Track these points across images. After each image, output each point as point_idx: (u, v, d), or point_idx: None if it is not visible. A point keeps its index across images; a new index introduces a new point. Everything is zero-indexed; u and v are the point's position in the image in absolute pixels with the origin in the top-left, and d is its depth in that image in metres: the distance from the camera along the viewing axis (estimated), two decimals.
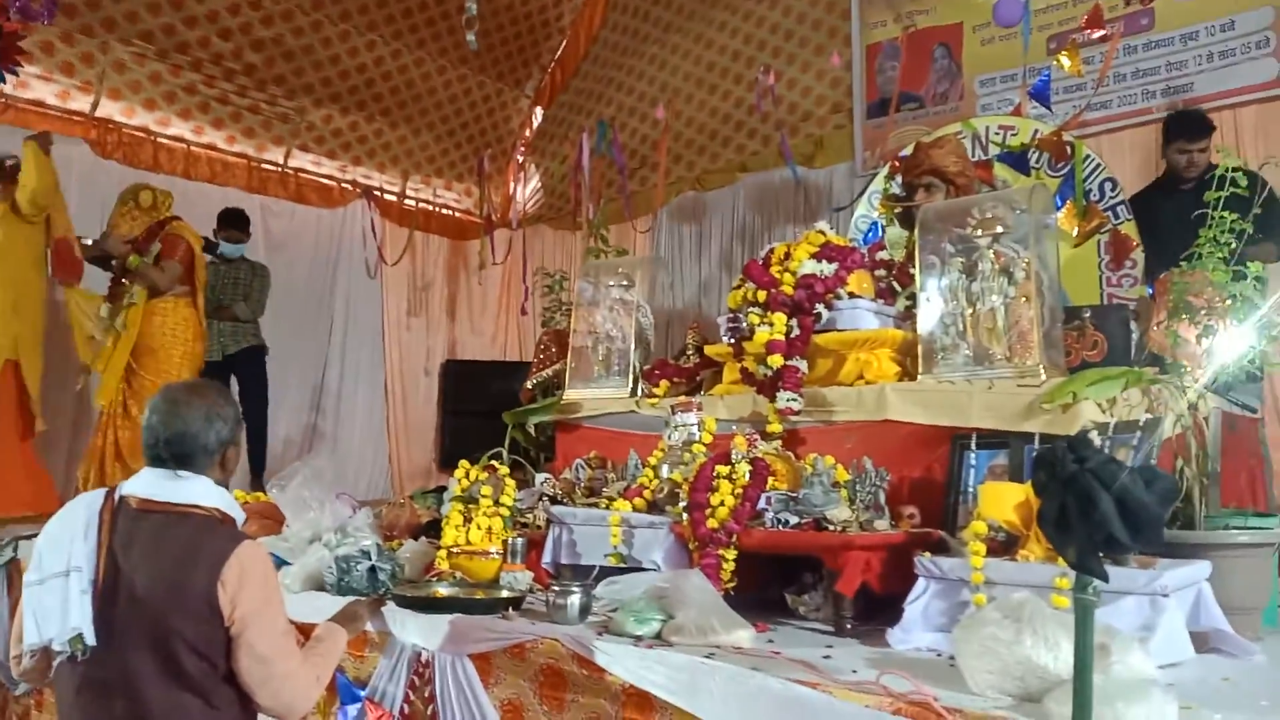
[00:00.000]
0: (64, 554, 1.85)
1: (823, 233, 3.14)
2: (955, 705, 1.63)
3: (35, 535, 3.90)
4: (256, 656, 1.89)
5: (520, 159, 7.65)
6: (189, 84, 5.97)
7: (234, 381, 5.43)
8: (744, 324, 2.97)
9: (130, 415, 4.58)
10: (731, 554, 2.43)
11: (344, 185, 6.96)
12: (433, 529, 3.34)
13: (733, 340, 3.08)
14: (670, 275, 6.30)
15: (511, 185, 7.60)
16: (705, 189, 6.38)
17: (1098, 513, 1.29)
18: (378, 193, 7.08)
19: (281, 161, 6.55)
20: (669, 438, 2.92)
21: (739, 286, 3.12)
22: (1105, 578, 1.34)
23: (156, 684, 1.84)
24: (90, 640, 1.79)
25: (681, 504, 2.60)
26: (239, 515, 2.05)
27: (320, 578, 2.78)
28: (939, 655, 2.03)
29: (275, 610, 1.96)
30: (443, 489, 4.06)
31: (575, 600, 2.33)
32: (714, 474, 2.55)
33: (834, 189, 5.71)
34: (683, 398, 3.10)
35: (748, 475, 2.50)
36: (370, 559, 2.76)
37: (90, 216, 5.25)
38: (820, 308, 2.90)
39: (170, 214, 4.91)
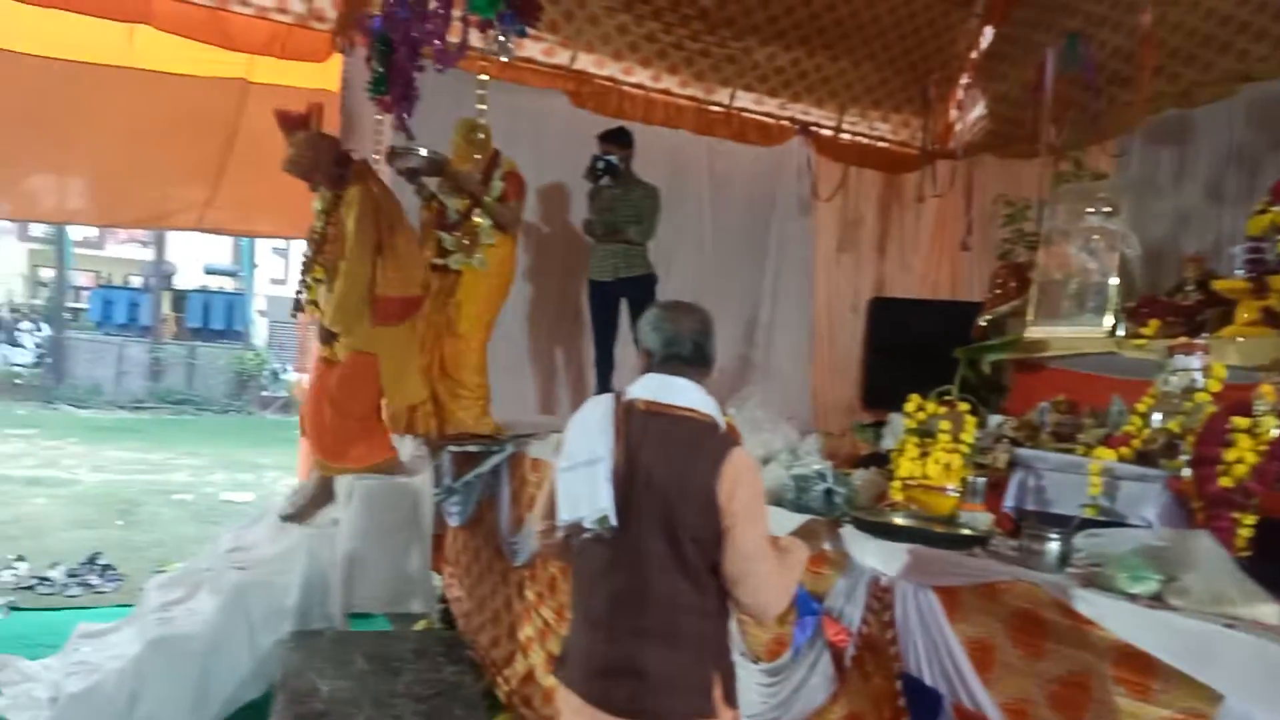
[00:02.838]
0: (589, 446, 2.10)
1: None
2: None
3: (528, 436, 4.57)
4: (741, 553, 2.03)
5: (966, 84, 7.19)
6: (650, 33, 6.38)
7: (623, 305, 5.52)
8: (1270, 255, 2.53)
9: (458, 333, 4.82)
10: (1250, 518, 2.11)
11: (782, 122, 7.06)
12: (870, 462, 3.34)
13: (1252, 274, 2.64)
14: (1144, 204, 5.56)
15: (955, 113, 7.18)
16: (1192, 105, 5.52)
17: None
18: (814, 128, 7.11)
19: (727, 102, 6.80)
20: (1164, 383, 2.59)
21: (1263, 211, 2.66)
22: None
23: (659, 565, 2.04)
24: (613, 521, 2.03)
25: (1182, 457, 2.31)
26: (723, 422, 2.20)
27: (774, 494, 2.90)
28: None
29: (760, 513, 2.08)
30: (880, 424, 4.03)
31: (1054, 547, 2.18)
32: (1228, 426, 2.22)
33: None
34: (1182, 339, 2.73)
35: (1275, 430, 2.14)
36: (826, 481, 2.82)
37: (567, 162, 5.91)
38: None
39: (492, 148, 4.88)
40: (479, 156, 4.77)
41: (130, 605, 5.24)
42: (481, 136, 4.73)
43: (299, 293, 4.79)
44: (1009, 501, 2.78)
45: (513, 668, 4.28)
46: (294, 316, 4.82)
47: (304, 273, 4.75)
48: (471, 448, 4.75)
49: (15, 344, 19.60)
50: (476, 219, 4.77)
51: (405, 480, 4.55)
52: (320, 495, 4.65)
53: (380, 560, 4.37)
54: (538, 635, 4.13)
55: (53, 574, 6.12)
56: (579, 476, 2.08)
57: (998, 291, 3.89)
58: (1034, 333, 3.35)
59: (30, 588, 5.90)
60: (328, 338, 4.54)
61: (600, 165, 5.35)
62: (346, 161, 4.52)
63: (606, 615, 2.12)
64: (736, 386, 5.69)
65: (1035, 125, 5.29)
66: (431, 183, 4.95)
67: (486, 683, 4.23)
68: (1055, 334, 3.27)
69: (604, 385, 5.48)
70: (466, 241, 4.79)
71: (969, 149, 6.86)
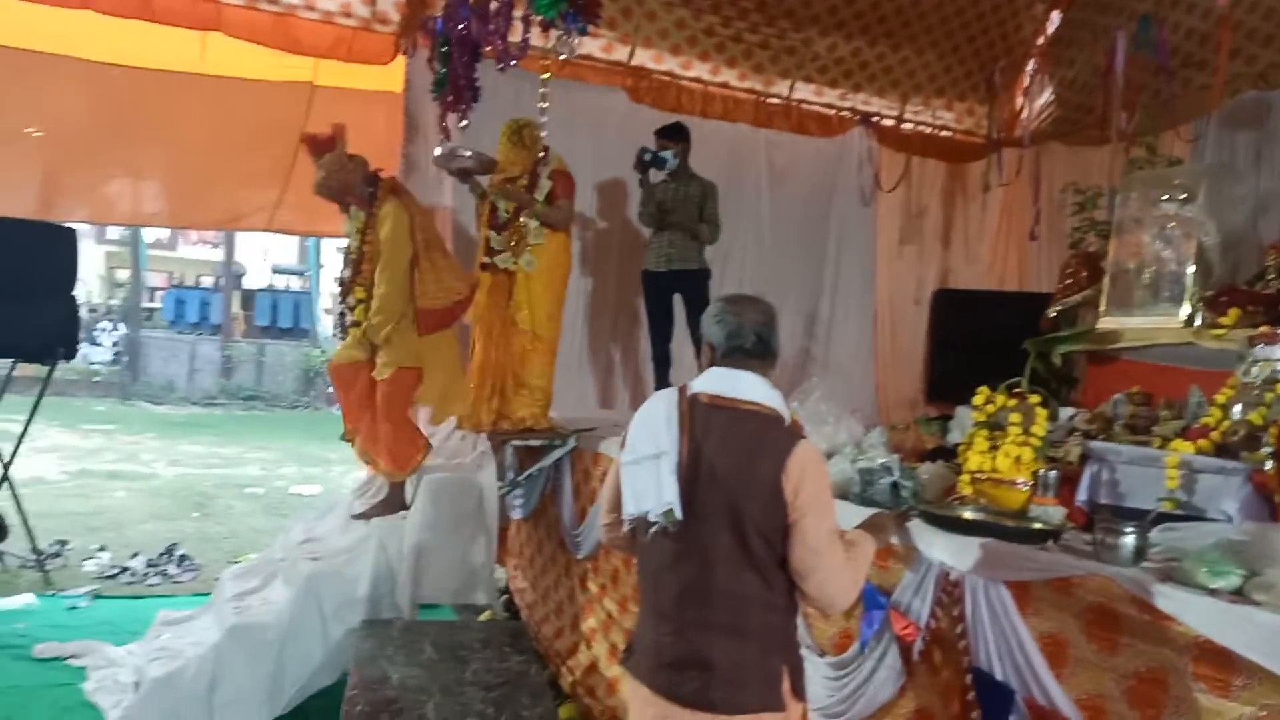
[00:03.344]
0: (653, 440, 2.11)
1: None
2: None
3: (589, 430, 4.61)
4: (808, 547, 2.02)
5: (1032, 70, 7.03)
6: (708, 26, 6.38)
7: (678, 301, 5.50)
8: None
9: (521, 330, 4.83)
10: None
11: (842, 113, 7.00)
12: (936, 456, 3.30)
13: None
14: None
15: (1021, 100, 7.03)
16: (1270, 86, 5.33)
17: None
18: (875, 119, 7.03)
19: (786, 94, 6.76)
20: (1244, 374, 2.52)
21: None
22: None
23: (726, 559, 2.04)
24: (678, 515, 2.04)
25: (1264, 450, 2.24)
26: (787, 415, 2.19)
27: (839, 487, 2.88)
28: None
29: (827, 507, 2.07)
30: (946, 417, 3.98)
31: (1129, 541, 2.13)
32: None
33: None
34: (1264, 328, 2.65)
35: None
36: (892, 474, 2.80)
37: (625, 158, 5.91)
38: None
39: (541, 146, 4.90)
40: (531, 158, 4.82)
41: (206, 594, 5.41)
42: (527, 135, 4.79)
43: (341, 314, 4.83)
44: (1081, 495, 2.73)
45: (576, 658, 4.33)
46: (339, 337, 4.85)
47: (343, 296, 4.78)
48: (534, 442, 4.81)
49: (94, 343, 20.30)
50: (524, 219, 4.82)
51: (470, 475, 4.62)
52: (394, 499, 4.74)
53: (447, 553, 4.45)
54: (601, 627, 4.17)
55: (133, 563, 6.35)
56: (644, 470, 2.09)
57: (1068, 281, 3.81)
58: (1107, 323, 3.28)
59: (113, 576, 6.13)
60: (372, 351, 4.61)
61: (647, 157, 5.33)
62: (376, 180, 4.58)
63: (673, 608, 2.13)
64: (796, 380, 5.64)
65: (1106, 111, 5.16)
66: (485, 180, 5.01)
67: (551, 673, 4.28)
68: (1129, 324, 3.19)
69: (662, 381, 5.49)
70: (514, 242, 4.85)
71: (1036, 136, 6.72)
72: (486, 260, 4.94)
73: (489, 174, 4.92)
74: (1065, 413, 3.20)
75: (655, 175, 5.45)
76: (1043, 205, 5.83)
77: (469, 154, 4.83)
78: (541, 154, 4.88)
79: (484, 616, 4.74)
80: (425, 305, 4.51)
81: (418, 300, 4.51)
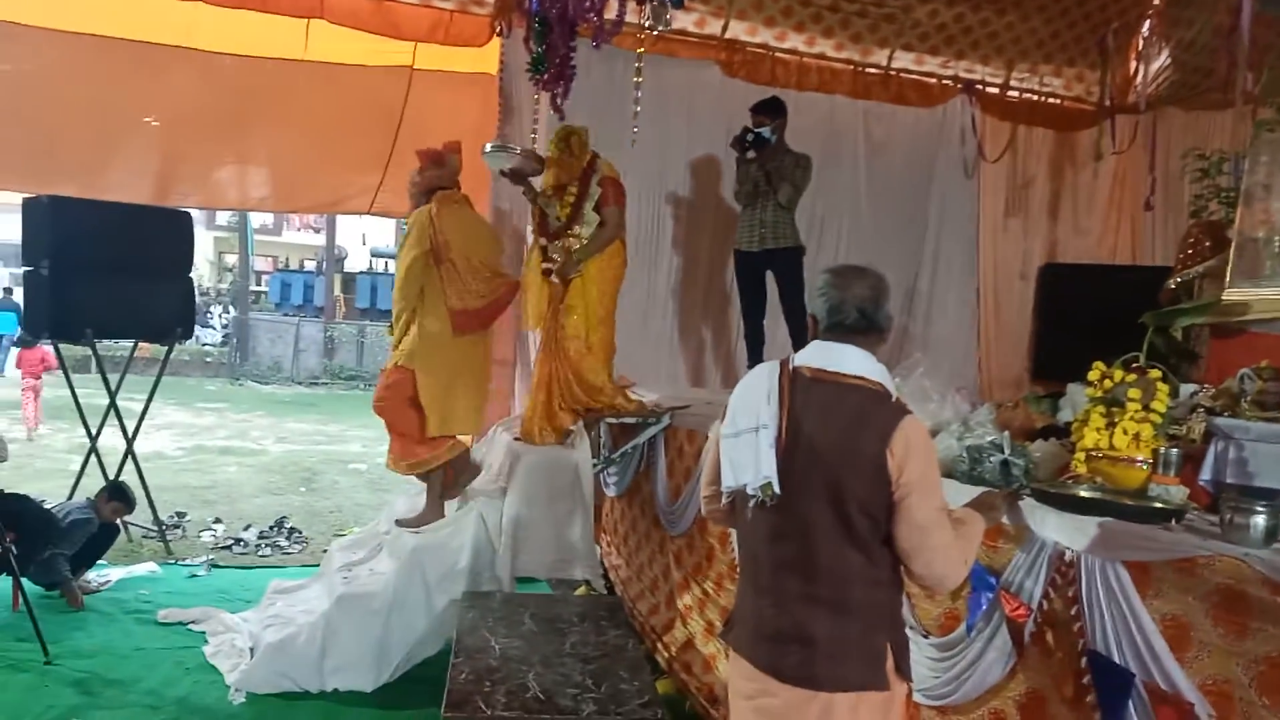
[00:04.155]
0: (753, 413, 2.08)
1: None
2: None
3: (683, 408, 4.60)
4: (914, 524, 1.97)
5: (1148, 32, 6.68)
6: None
7: (769, 278, 5.42)
8: None
9: (572, 335, 4.72)
10: None
11: (944, 82, 6.78)
12: (1046, 434, 3.18)
13: None
14: None
15: (1135, 64, 6.69)
16: None
17: None
18: (979, 87, 6.78)
19: (885, 64, 6.58)
20: None
21: None
22: None
23: (827, 535, 2.01)
24: (776, 489, 2.01)
25: None
26: (894, 389, 2.13)
27: (945, 466, 2.81)
28: None
29: (934, 484, 2.02)
30: (1055, 395, 3.84)
31: (1260, 520, 2.02)
32: None
33: None
34: None
35: None
36: (1003, 452, 2.71)
37: (718, 134, 5.87)
38: None
39: (589, 153, 4.79)
40: (580, 165, 4.72)
41: (315, 565, 5.64)
42: (576, 143, 4.70)
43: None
44: (1205, 474, 2.59)
45: (672, 634, 4.34)
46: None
47: None
48: (628, 419, 4.82)
49: (205, 325, 21.26)
50: (577, 230, 4.73)
51: (565, 452, 4.67)
52: (432, 509, 4.76)
53: (543, 528, 4.52)
54: (696, 604, 4.17)
55: (246, 535, 6.65)
56: (743, 443, 2.07)
57: (1189, 251, 3.61)
58: (1232, 295, 3.09)
59: (227, 548, 6.43)
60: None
61: (749, 138, 5.23)
62: (433, 193, 4.64)
63: (772, 582, 2.11)
64: (894, 357, 5.53)
65: (1229, 73, 4.86)
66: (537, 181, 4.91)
67: (647, 648, 4.31)
68: (1257, 296, 3.00)
69: (755, 360, 5.42)
70: (565, 249, 4.74)
71: (1152, 102, 6.38)
72: (547, 266, 4.83)
73: (539, 174, 4.86)
74: (1186, 389, 3.05)
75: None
76: (1158, 174, 5.54)
77: (518, 150, 4.79)
78: (591, 159, 4.75)
79: (579, 592, 4.80)
80: (451, 305, 4.54)
81: (448, 300, 4.54)
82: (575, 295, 4.76)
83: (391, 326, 4.76)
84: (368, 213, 6.70)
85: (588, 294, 4.77)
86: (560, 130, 4.79)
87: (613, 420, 4.89)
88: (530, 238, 5.20)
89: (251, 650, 4.39)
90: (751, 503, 2.08)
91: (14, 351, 12.73)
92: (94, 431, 6.42)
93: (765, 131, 5.21)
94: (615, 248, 4.84)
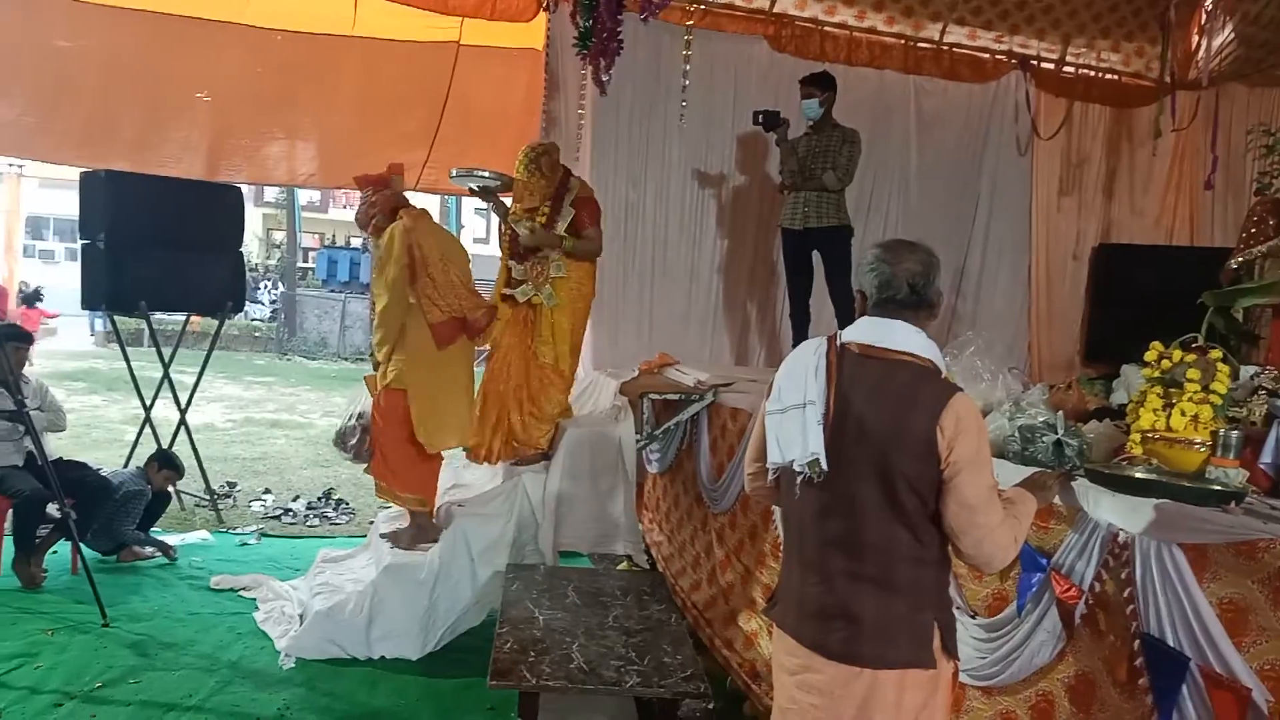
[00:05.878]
0: (801, 389, 2.06)
1: None
2: None
3: (726, 385, 4.58)
4: (963, 503, 1.94)
5: (1210, 6, 6.47)
6: None
7: (816, 258, 5.36)
8: None
9: (543, 364, 4.71)
10: None
11: (998, 57, 6.64)
12: (1100, 416, 3.11)
13: None
14: None
15: (1197, 39, 6.49)
16: None
17: None
18: (1034, 62, 6.63)
19: (937, 38, 6.46)
20: None
21: None
22: None
23: (874, 512, 1.99)
24: (824, 465, 1.99)
25: None
26: (944, 366, 2.10)
27: (996, 446, 2.76)
28: None
29: (985, 462, 1.98)
30: (1109, 377, 3.76)
31: None
32: None
33: None
34: None
35: None
36: (1056, 432, 2.66)
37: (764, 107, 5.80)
38: None
39: (561, 170, 4.68)
40: (552, 184, 4.63)
41: (362, 536, 5.73)
42: (546, 163, 4.58)
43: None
44: (1266, 458, 2.51)
45: (714, 611, 4.35)
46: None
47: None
48: (671, 396, 4.82)
49: (254, 300, 21.60)
50: (545, 252, 4.65)
51: (608, 428, 4.69)
52: (427, 529, 4.61)
53: (586, 502, 4.55)
54: (739, 581, 4.16)
55: (294, 506, 6.78)
56: (790, 419, 2.05)
57: (1253, 230, 3.50)
58: None
59: (277, 517, 6.56)
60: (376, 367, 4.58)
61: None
62: (396, 211, 4.51)
63: (818, 559, 2.09)
64: (943, 337, 5.45)
65: None
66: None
67: (689, 623, 4.33)
68: None
69: (800, 339, 5.39)
70: (536, 273, 4.68)
71: (1215, 78, 6.19)
72: (507, 291, 4.75)
73: (508, 191, 4.77)
74: (1247, 370, 2.96)
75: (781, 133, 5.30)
76: (1219, 152, 5.38)
77: (488, 173, 4.71)
78: (564, 175, 4.67)
79: (622, 566, 4.82)
80: (431, 320, 4.40)
81: (427, 316, 4.40)
82: (545, 324, 4.73)
83: (372, 352, 4.66)
84: (413, 189, 6.72)
85: (558, 325, 4.73)
86: (528, 149, 4.65)
87: (655, 397, 4.89)
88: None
89: (301, 617, 4.48)
90: (798, 479, 2.06)
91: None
92: (148, 403, 6.57)
93: (816, 105, 5.18)
94: (587, 272, 4.79)
